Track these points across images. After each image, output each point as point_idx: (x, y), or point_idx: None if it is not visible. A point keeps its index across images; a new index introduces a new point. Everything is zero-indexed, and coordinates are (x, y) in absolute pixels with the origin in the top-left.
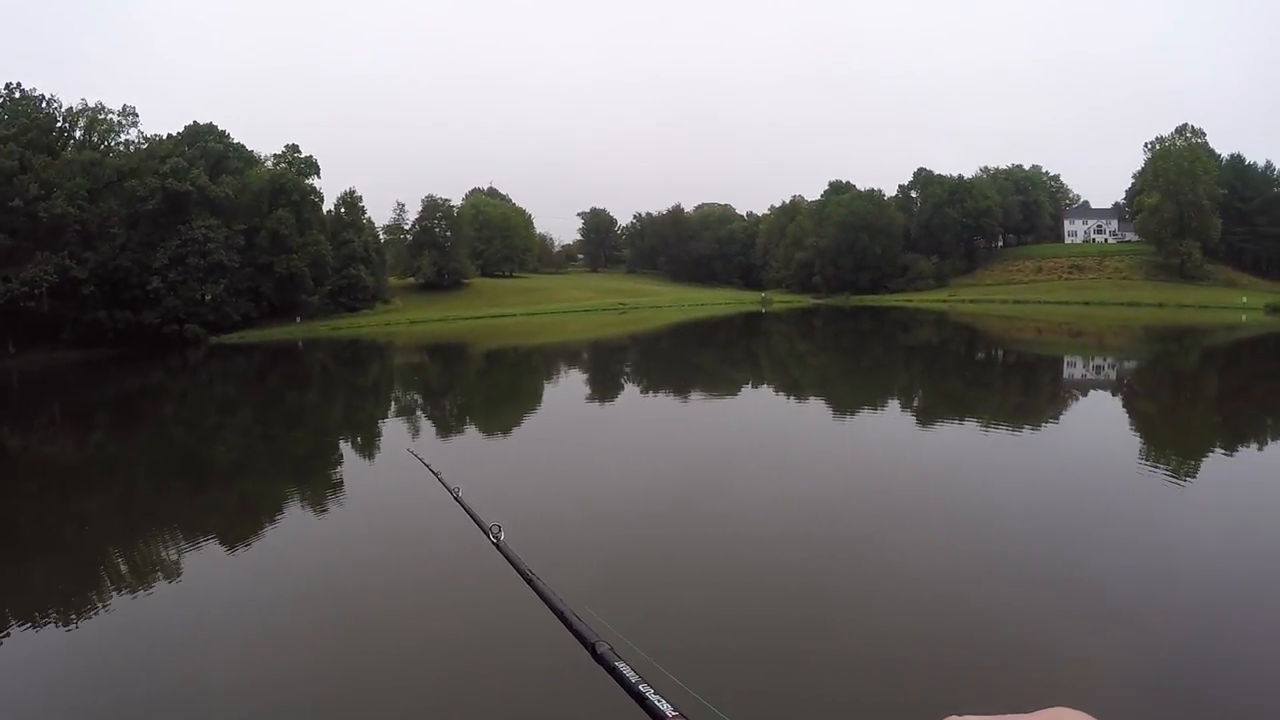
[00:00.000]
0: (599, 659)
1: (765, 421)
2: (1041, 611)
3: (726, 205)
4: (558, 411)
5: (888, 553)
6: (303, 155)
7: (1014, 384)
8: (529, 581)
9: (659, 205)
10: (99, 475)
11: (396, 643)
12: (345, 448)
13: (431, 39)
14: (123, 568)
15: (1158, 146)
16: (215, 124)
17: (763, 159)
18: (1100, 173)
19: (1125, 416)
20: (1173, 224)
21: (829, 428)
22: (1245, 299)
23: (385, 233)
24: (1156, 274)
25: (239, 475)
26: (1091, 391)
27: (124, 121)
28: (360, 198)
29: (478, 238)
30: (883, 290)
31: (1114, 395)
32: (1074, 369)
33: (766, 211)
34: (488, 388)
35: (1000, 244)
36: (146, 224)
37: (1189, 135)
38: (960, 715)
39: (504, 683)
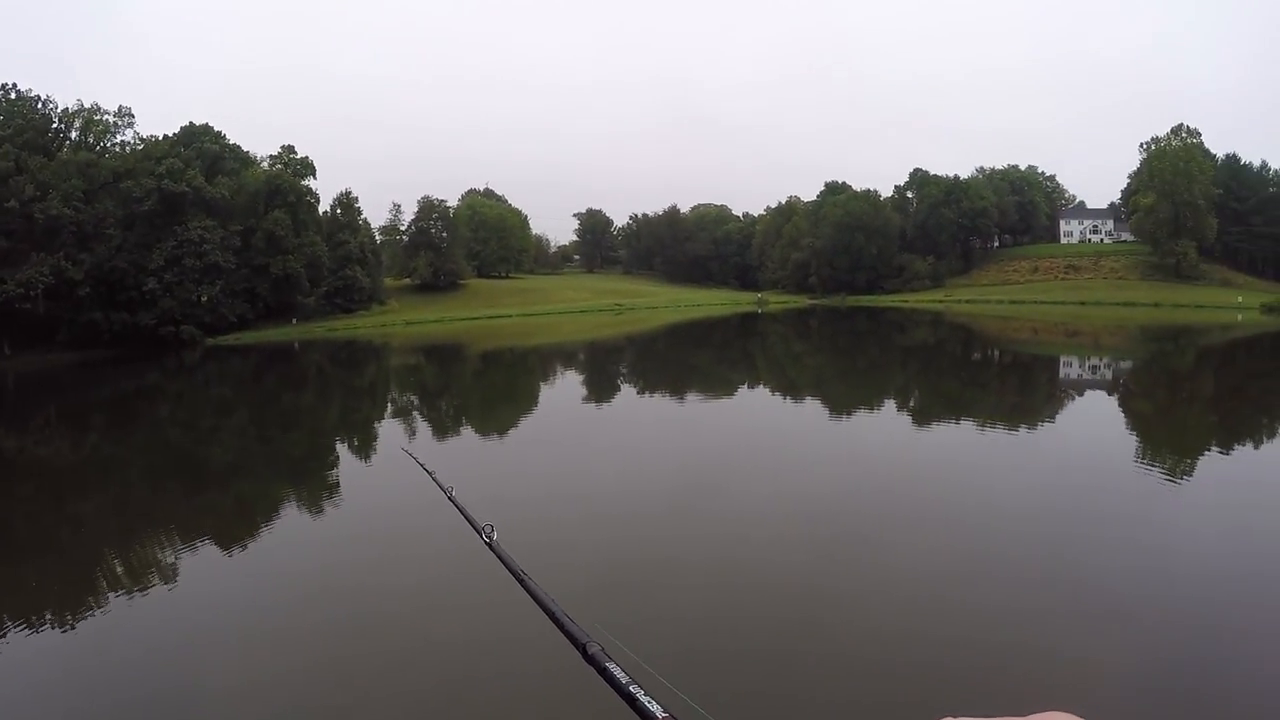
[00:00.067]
0: (590, 660)
1: (761, 422)
2: (1040, 612)
3: (723, 206)
4: (554, 412)
5: (885, 553)
6: (299, 156)
7: (1010, 384)
8: (520, 581)
9: (655, 206)
10: (95, 477)
11: (392, 644)
12: (341, 449)
13: (429, 40)
14: (119, 570)
15: (1153, 147)
16: (211, 125)
17: (759, 160)
18: (1096, 173)
19: (1121, 416)
20: (1168, 224)
21: (825, 428)
22: (1240, 299)
23: (381, 234)
24: (1152, 274)
25: (235, 477)
26: (1088, 391)
27: (120, 122)
28: (356, 199)
29: (474, 238)
30: (879, 291)
31: (1110, 395)
32: (1070, 369)
33: (763, 212)
34: (484, 389)
35: (996, 244)
36: (142, 225)
37: (1184, 135)
38: (955, 718)
39: (499, 686)
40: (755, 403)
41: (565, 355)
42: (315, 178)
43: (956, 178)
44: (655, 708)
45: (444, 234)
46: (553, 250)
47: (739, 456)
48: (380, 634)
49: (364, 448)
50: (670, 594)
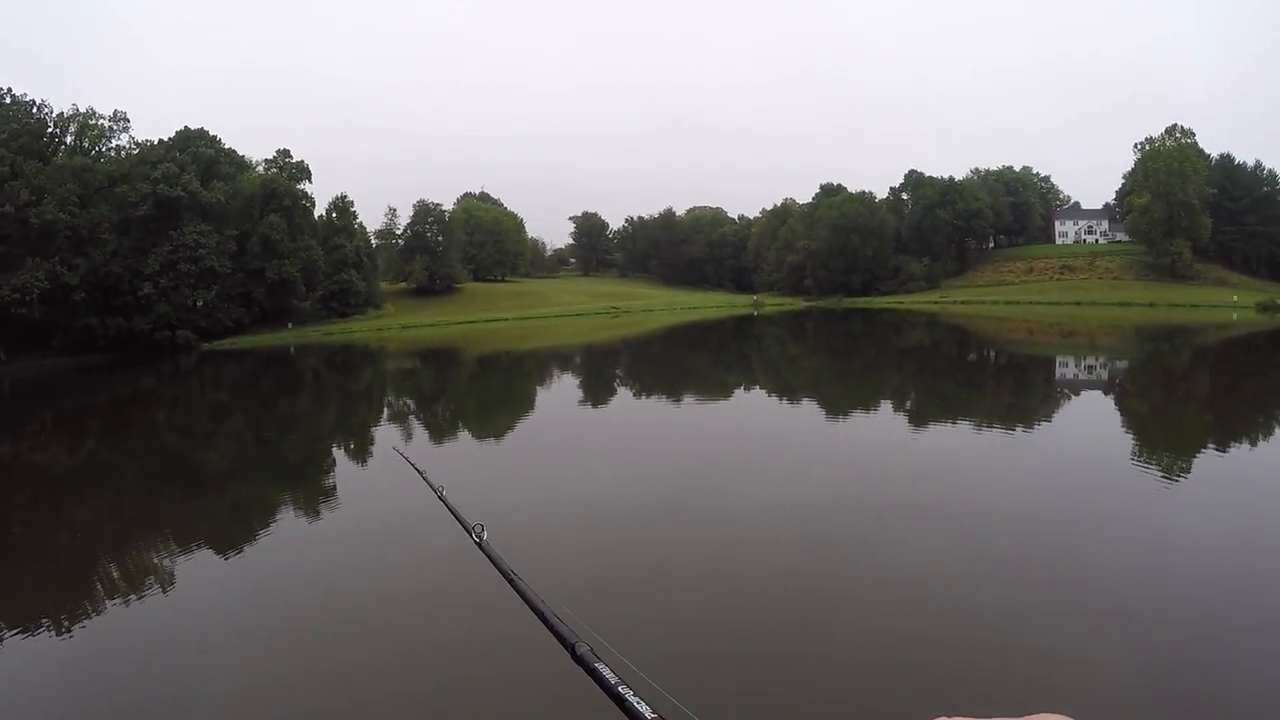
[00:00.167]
0: (578, 660)
1: (757, 424)
2: (1039, 612)
3: (718, 208)
4: (550, 415)
5: (882, 554)
6: (294, 160)
7: (1006, 384)
8: (510, 581)
9: (651, 209)
10: (91, 482)
11: (385, 647)
12: (338, 453)
13: (425, 43)
14: (115, 575)
15: (1147, 147)
16: (206, 129)
17: (754, 162)
18: (1091, 174)
19: (1118, 416)
20: (1163, 224)
21: (822, 430)
22: (1236, 298)
23: (377, 237)
24: (1147, 274)
25: (231, 481)
26: (1084, 391)
27: (115, 127)
28: (352, 203)
29: (469, 242)
30: (874, 292)
31: (1107, 395)
32: (1066, 369)
33: (758, 214)
34: (480, 392)
35: (991, 245)
36: (138, 230)
37: (1179, 135)
38: (950, 717)
39: (490, 687)
40: (751, 405)
41: (561, 358)
42: (310, 182)
43: (951, 179)
44: (644, 708)
45: (440, 238)
46: (549, 253)
47: (735, 459)
48: (376, 638)
49: (360, 452)
50: (666, 595)
